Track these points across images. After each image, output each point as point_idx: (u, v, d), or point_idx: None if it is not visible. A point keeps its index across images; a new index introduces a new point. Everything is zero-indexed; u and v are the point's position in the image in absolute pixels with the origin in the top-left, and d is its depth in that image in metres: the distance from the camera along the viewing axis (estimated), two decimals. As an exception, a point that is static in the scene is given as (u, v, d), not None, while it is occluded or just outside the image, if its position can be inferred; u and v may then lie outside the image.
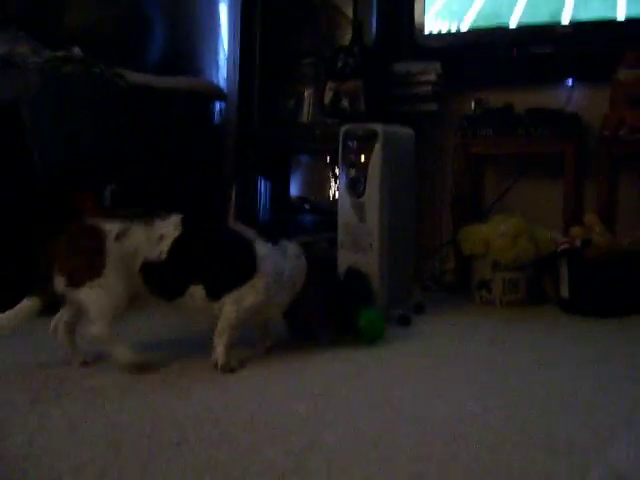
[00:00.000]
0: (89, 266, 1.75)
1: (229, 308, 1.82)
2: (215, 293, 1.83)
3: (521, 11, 3.03)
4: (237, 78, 3.46)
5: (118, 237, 1.78)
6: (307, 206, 3.33)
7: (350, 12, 3.22)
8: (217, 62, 3.79)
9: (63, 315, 1.85)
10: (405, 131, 2.55)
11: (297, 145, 3.24)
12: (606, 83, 2.89)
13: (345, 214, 2.43)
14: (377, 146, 2.35)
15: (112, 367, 1.79)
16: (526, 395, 1.66)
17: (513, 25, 3.06)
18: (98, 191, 2.76)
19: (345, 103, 2.88)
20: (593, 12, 2.92)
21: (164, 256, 1.79)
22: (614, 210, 3.08)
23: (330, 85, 2.94)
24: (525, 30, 3.05)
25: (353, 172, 2.41)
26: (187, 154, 3.27)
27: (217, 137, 3.60)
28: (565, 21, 2.96)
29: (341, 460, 1.26)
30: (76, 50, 2.71)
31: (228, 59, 3.74)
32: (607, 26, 2.92)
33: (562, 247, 2.66)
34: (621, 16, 2.88)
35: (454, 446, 1.33)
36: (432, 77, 3.10)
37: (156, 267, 1.80)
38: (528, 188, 3.24)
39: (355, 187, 2.39)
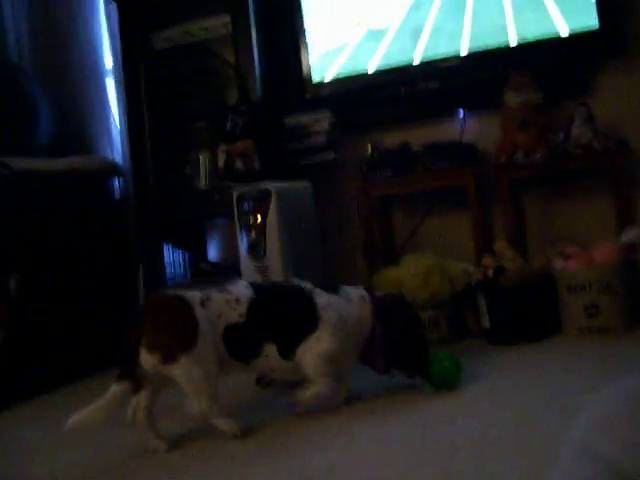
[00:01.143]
0: (183, 338, 1.71)
1: (304, 358, 1.84)
2: (286, 350, 1.84)
3: (403, 50, 3.05)
4: (128, 151, 3.37)
5: (203, 304, 1.77)
6: (212, 270, 3.23)
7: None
8: (110, 138, 3.70)
9: (141, 400, 1.75)
10: (301, 185, 2.50)
11: (197, 212, 3.15)
12: (497, 109, 2.91)
13: (249, 277, 2.35)
14: (272, 205, 2.30)
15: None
16: (451, 442, 1.59)
17: (397, 65, 3.07)
18: (1, 282, 2.68)
19: (239, 164, 2.82)
20: (475, 42, 2.96)
21: (243, 319, 1.81)
22: (523, 233, 3.09)
23: (222, 147, 2.88)
24: (409, 68, 3.07)
25: (253, 235, 2.34)
26: (89, 233, 3.17)
27: (119, 213, 3.50)
28: (448, 54, 2.99)
29: None
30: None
31: (121, 133, 3.65)
32: (489, 54, 2.96)
33: (476, 279, 2.63)
34: (502, 43, 2.92)
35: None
36: (325, 126, 3.07)
37: (236, 330, 1.81)
38: (437, 223, 3.23)
39: (255, 250, 2.32)
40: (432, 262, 2.65)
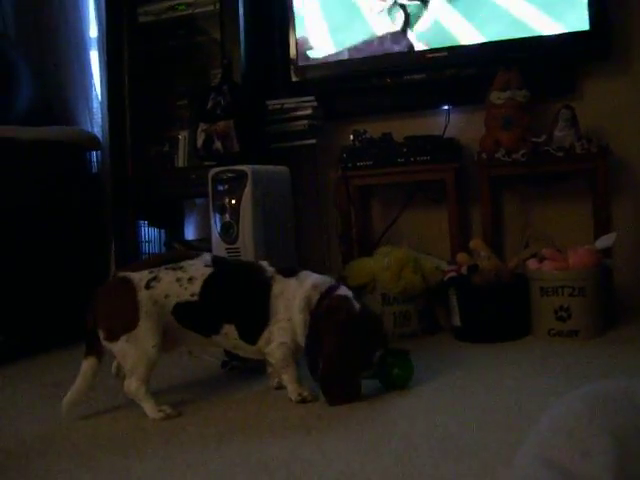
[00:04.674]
0: (124, 320, 1.81)
1: (267, 349, 1.88)
2: (246, 335, 1.88)
3: (393, 39, 3.02)
4: (107, 124, 3.31)
5: (148, 285, 1.83)
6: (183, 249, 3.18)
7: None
8: (91, 110, 3.64)
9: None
10: (278, 169, 2.47)
11: (173, 191, 3.10)
12: (481, 106, 2.90)
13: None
14: (247, 188, 2.26)
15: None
16: (410, 438, 1.57)
17: (385, 53, 3.04)
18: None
19: (218, 145, 2.77)
20: (465, 36, 2.93)
21: (196, 298, 1.84)
22: (500, 232, 3.08)
23: (202, 127, 2.83)
24: (397, 58, 3.04)
25: (226, 217, 2.31)
26: (63, 205, 3.11)
27: (95, 187, 3.45)
28: (437, 46, 2.96)
29: None
30: None
31: (102, 106, 3.59)
32: (478, 49, 2.93)
33: (449, 275, 2.61)
34: (491, 38, 2.90)
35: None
36: (308, 111, 3.04)
37: (188, 308, 1.85)
38: (415, 217, 3.21)
39: (228, 232, 2.28)
40: (406, 256, 2.62)
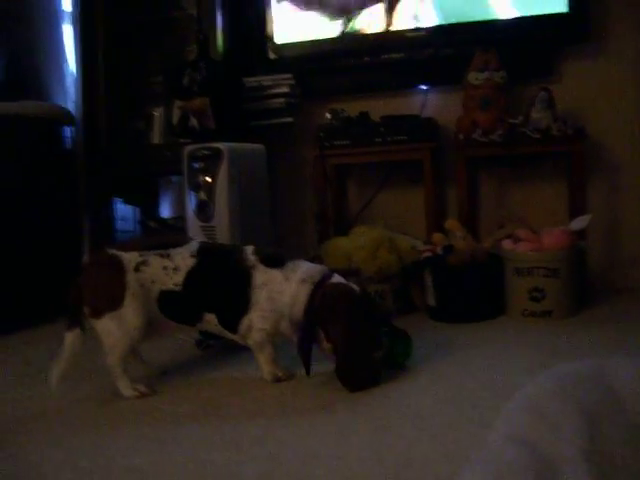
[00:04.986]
0: (109, 298, 1.81)
1: (246, 337, 1.89)
2: (226, 323, 1.89)
3: (372, 18, 3.00)
4: (81, 100, 3.26)
5: (138, 268, 1.84)
6: (160, 228, 3.16)
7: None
8: (64, 85, 3.58)
9: None
10: (254, 147, 2.45)
11: (148, 168, 3.07)
12: (459, 86, 2.89)
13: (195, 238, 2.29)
14: (222, 166, 2.24)
15: None
16: (384, 417, 1.58)
17: (364, 32, 3.02)
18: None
19: (194, 122, 2.74)
20: (444, 15, 2.92)
21: (179, 288, 1.85)
22: (476, 213, 3.09)
23: (177, 103, 2.80)
24: (376, 37, 3.02)
25: (201, 194, 2.29)
26: (36, 181, 3.06)
27: (69, 163, 3.40)
28: (415, 25, 2.95)
29: None
30: None
31: (76, 81, 3.53)
32: (457, 29, 2.92)
33: (424, 255, 2.62)
34: (471, 19, 2.89)
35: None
36: (285, 89, 3.01)
37: (171, 297, 1.86)
38: (392, 196, 3.21)
39: (203, 210, 2.26)
40: (382, 235, 2.62)
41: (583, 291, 2.63)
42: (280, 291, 1.85)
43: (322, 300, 1.81)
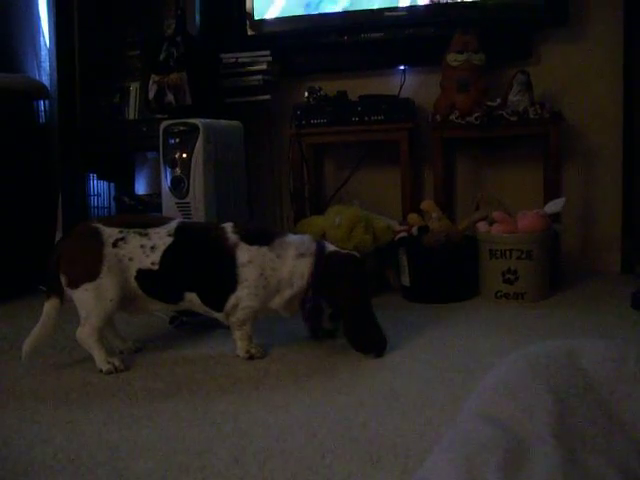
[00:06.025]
0: (86, 269, 1.82)
1: (231, 316, 1.90)
2: (209, 302, 1.90)
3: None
4: (56, 74, 3.21)
5: (116, 244, 1.85)
6: (134, 204, 3.13)
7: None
8: (38, 58, 3.51)
9: None
10: (231, 124, 2.43)
11: (124, 143, 3.03)
12: (438, 67, 2.89)
13: (170, 214, 2.28)
14: (199, 142, 2.22)
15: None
16: (357, 394, 1.59)
17: (343, 11, 3.00)
18: None
19: (170, 97, 2.71)
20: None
21: (156, 267, 1.85)
22: (452, 194, 3.10)
23: (154, 78, 2.76)
24: (355, 15, 3.00)
25: (177, 171, 2.27)
26: (9, 155, 3.02)
27: (43, 137, 3.35)
28: (395, 5, 2.94)
29: None
30: None
31: (50, 55, 3.47)
32: (437, 10, 2.92)
33: (400, 236, 2.62)
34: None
35: (272, 462, 1.24)
36: (263, 66, 2.99)
37: (149, 275, 1.86)
38: (368, 176, 3.21)
39: (178, 187, 2.25)
40: (357, 215, 2.62)
41: (556, 274, 2.66)
42: (274, 268, 1.87)
43: (326, 268, 1.88)
